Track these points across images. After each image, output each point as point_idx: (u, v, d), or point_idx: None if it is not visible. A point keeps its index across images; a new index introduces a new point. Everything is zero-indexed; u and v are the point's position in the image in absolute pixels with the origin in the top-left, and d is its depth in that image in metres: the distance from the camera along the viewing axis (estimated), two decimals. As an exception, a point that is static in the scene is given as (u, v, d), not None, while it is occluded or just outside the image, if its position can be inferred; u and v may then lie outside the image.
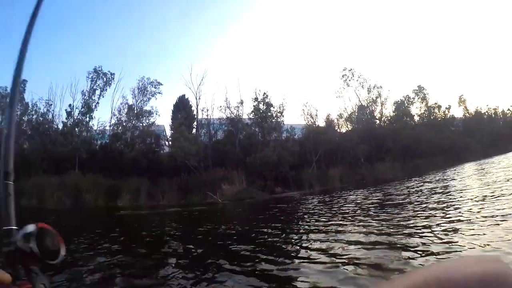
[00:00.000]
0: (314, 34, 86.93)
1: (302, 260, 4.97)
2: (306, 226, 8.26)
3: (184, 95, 31.56)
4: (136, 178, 23.86)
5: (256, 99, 27.86)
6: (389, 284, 0.36)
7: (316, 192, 22.70)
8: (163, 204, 21.73)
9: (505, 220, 5.34)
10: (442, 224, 5.94)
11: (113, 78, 30.42)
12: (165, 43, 65.04)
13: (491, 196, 8.20)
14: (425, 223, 6.35)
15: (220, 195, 22.18)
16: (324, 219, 9.03)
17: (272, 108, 27.78)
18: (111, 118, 30.19)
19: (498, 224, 5.15)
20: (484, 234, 4.77)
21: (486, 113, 46.58)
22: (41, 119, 29.32)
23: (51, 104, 29.75)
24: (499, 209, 6.31)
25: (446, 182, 15.70)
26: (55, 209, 18.71)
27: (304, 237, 6.83)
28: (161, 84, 30.62)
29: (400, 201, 10.77)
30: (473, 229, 5.19)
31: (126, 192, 23.00)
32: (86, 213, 16.47)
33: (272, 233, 7.80)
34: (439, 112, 39.39)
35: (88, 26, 53.68)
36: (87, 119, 30.02)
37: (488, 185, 10.77)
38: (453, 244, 4.62)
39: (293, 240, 6.65)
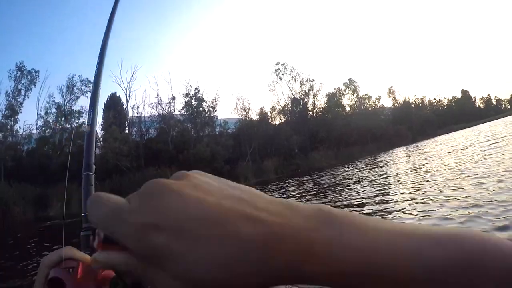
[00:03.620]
0: (247, 28, 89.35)
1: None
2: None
3: (115, 93, 30.28)
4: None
5: (187, 94, 27.82)
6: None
7: (252, 184, 23.30)
8: (96, 209, 20.85)
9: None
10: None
11: (38, 76, 28.58)
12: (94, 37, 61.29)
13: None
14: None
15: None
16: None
17: (204, 103, 27.90)
18: (37, 120, 28.41)
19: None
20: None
21: (414, 103, 50.86)
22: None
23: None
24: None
25: (376, 166, 16.56)
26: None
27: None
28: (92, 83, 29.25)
29: (337, 183, 11.54)
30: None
31: (57, 200, 21.79)
32: (13, 230, 14.89)
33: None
34: (369, 102, 42.24)
35: (12, 22, 49.15)
36: (12, 122, 28.05)
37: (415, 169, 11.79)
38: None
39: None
